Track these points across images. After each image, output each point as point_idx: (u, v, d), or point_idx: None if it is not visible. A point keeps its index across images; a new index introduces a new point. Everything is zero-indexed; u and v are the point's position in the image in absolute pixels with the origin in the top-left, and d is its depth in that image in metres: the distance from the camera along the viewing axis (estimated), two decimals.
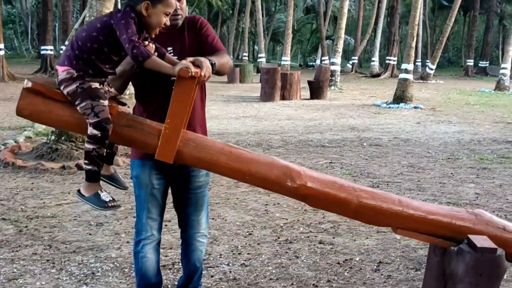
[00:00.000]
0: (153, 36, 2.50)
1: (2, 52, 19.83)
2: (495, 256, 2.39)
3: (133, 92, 3.01)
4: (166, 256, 4.14)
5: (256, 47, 49.31)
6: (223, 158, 2.48)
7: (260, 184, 2.56)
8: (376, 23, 34.90)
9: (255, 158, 2.53)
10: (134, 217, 5.06)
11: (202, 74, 2.43)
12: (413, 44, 16.12)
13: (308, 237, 4.71)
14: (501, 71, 24.06)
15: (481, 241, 2.42)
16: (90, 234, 4.62)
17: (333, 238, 4.70)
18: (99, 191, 2.48)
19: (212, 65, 2.55)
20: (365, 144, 9.24)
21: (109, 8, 7.22)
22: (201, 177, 2.99)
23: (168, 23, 2.48)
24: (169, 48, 2.77)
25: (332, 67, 20.92)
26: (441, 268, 2.56)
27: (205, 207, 3.08)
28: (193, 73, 2.37)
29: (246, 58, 37.53)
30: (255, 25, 36.31)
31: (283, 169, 2.50)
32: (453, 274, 2.46)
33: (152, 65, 2.36)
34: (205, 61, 2.47)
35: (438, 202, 5.77)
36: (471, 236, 2.47)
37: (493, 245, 2.40)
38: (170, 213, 3.17)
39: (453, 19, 27.64)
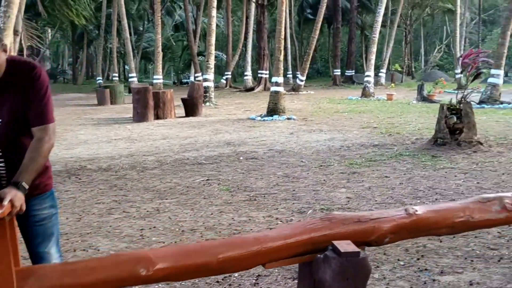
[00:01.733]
0: None
1: None
2: (359, 259, 2.45)
3: None
4: None
5: (126, 67, 48.35)
6: (68, 279, 2.32)
7: (117, 286, 2.43)
8: (245, 38, 35.69)
9: (100, 264, 2.40)
10: None
11: (11, 209, 2.18)
12: (281, 58, 16.62)
13: None
14: (365, 78, 25.62)
15: (345, 246, 2.48)
16: None
17: None
18: None
19: (22, 188, 2.31)
20: (241, 158, 9.29)
21: None
22: (45, 209, 2.77)
23: None
24: None
25: (206, 83, 21.01)
26: (311, 277, 2.59)
27: (54, 237, 2.86)
28: None
29: (117, 78, 36.65)
30: (123, 44, 35.58)
31: (131, 262, 2.38)
32: (322, 281, 2.49)
33: None
34: (10, 193, 2.21)
35: (312, 209, 5.90)
36: (335, 242, 2.52)
37: (356, 249, 2.47)
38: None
39: (317, 32, 29.04)
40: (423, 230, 2.80)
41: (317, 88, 35.82)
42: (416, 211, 2.78)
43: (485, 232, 4.90)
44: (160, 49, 26.41)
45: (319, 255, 2.53)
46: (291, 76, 41.80)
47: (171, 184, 7.32)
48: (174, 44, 49.20)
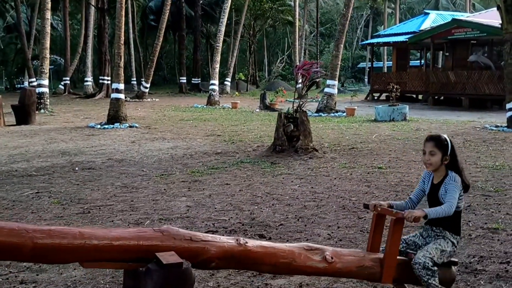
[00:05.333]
0: None
1: None
2: (182, 270, 2.42)
3: None
4: None
5: None
6: None
7: None
8: (85, 42, 34.26)
9: None
10: None
11: None
12: (122, 64, 16.18)
13: (8, 278, 4.15)
14: (211, 87, 25.86)
15: (168, 258, 2.42)
16: None
17: (37, 275, 4.23)
18: None
19: None
20: (77, 168, 8.78)
21: None
22: None
23: None
24: None
25: (40, 89, 19.75)
26: None
27: None
28: None
29: None
30: None
31: None
32: None
33: None
34: None
35: (150, 220, 5.71)
36: (158, 254, 2.46)
37: (179, 260, 2.42)
38: None
39: (161, 39, 28.81)
40: (249, 262, 2.86)
41: (163, 95, 35.52)
42: (246, 243, 2.84)
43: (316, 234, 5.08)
44: None
45: (141, 269, 2.46)
46: (135, 82, 40.96)
47: None
48: (2, 47, 45.76)
